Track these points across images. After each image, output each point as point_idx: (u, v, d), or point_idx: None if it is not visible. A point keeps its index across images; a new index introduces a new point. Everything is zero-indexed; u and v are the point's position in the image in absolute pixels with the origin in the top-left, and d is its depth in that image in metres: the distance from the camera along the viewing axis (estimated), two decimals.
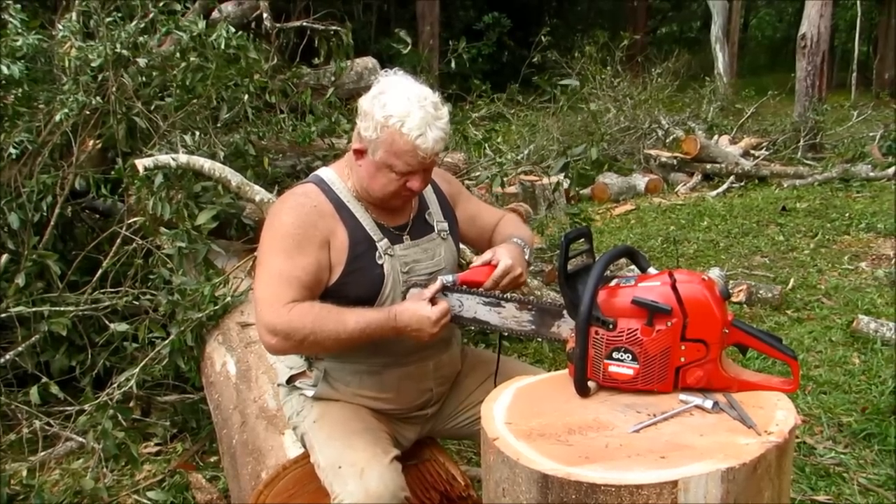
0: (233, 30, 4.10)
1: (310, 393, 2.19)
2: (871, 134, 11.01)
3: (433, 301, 1.99)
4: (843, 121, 11.87)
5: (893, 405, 3.46)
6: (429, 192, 2.24)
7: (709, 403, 1.59)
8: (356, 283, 2.05)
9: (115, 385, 3.20)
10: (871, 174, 9.02)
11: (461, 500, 2.29)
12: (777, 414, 1.55)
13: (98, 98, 3.77)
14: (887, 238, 6.45)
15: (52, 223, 3.67)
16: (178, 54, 4.05)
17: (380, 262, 2.07)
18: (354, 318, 1.96)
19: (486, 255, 2.10)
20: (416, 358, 2.17)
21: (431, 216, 2.22)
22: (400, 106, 1.94)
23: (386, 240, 2.09)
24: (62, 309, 3.41)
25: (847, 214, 7.27)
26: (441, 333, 2.00)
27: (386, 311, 1.99)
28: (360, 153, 2.04)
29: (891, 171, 9.08)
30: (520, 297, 2.04)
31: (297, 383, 2.23)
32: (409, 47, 5.00)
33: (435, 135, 1.95)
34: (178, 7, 4.27)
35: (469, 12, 20.82)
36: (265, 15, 5.29)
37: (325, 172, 2.17)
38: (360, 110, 2.02)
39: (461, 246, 2.47)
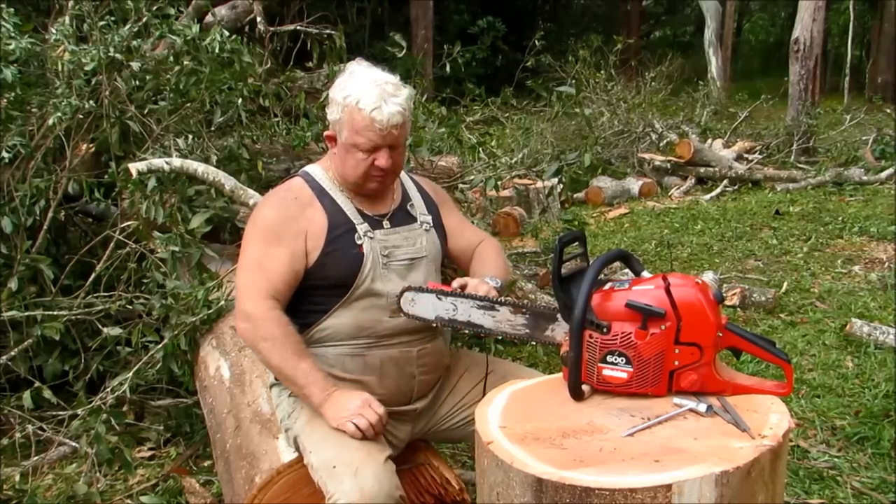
0: (226, 33, 4.09)
1: None
2: (863, 138, 11.05)
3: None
4: (836, 125, 11.91)
5: (887, 408, 3.47)
6: (412, 189, 2.35)
7: (703, 407, 1.59)
8: (334, 263, 2.14)
9: (109, 389, 3.18)
10: (864, 178, 9.06)
11: None
12: (771, 417, 1.55)
13: (91, 102, 3.76)
14: (880, 242, 6.47)
15: (45, 227, 3.65)
16: (171, 58, 4.03)
17: (359, 242, 2.15)
18: (307, 366, 2.08)
19: (460, 283, 2.15)
20: (399, 342, 2.21)
21: (414, 208, 2.31)
22: (357, 86, 2.08)
23: (366, 224, 2.19)
24: (55, 313, 3.40)
25: (840, 218, 7.29)
26: (361, 420, 2.04)
27: (329, 384, 2.09)
28: (331, 139, 2.19)
29: (883, 174, 9.12)
30: (514, 300, 2.05)
31: None
32: (403, 51, 4.99)
33: (391, 109, 2.06)
34: (172, 11, 4.26)
35: (463, 16, 20.85)
36: (259, 19, 5.30)
37: (311, 167, 2.31)
38: (329, 99, 2.17)
39: None
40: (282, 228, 2.13)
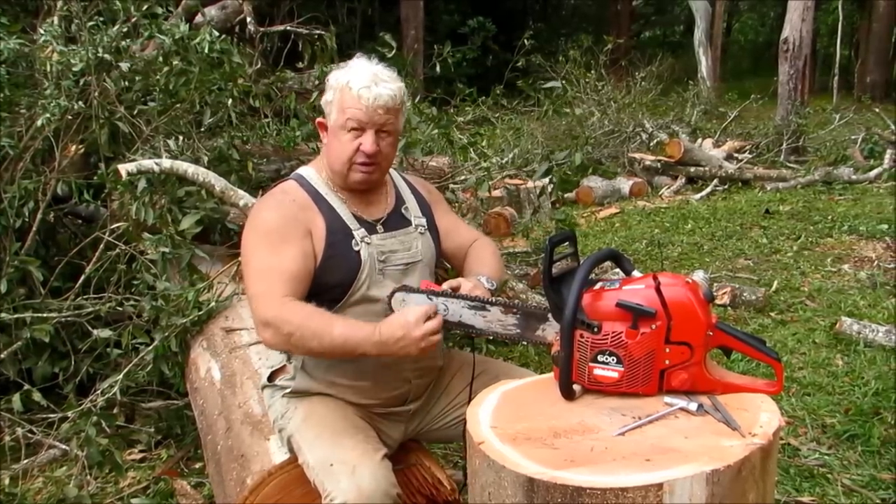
0: (216, 34, 4.07)
1: (289, 386, 2.21)
2: (852, 137, 11.10)
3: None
4: (826, 124, 11.94)
5: (876, 406, 3.48)
6: (405, 191, 2.34)
7: (693, 406, 1.59)
8: (333, 268, 2.11)
9: (99, 391, 3.17)
10: (854, 177, 9.10)
11: None
12: (761, 416, 1.55)
13: (80, 103, 3.74)
14: (869, 240, 6.50)
15: (34, 229, 3.63)
16: (160, 58, 4.02)
17: (356, 248, 2.13)
18: (341, 325, 2.00)
19: (452, 285, 2.12)
20: None
21: (408, 211, 2.29)
22: (352, 71, 2.12)
23: (363, 229, 2.16)
24: (45, 315, 3.38)
25: (830, 217, 7.32)
26: (429, 346, 1.97)
27: (371, 326, 1.99)
28: (322, 126, 2.21)
29: (872, 173, 9.17)
30: (505, 300, 2.05)
31: (277, 381, 2.26)
32: (394, 51, 5.00)
33: (380, 89, 2.08)
34: (161, 11, 4.25)
35: (453, 16, 20.83)
36: (249, 19, 5.29)
37: (303, 170, 2.28)
38: (325, 87, 2.19)
39: None
40: (286, 230, 2.08)
